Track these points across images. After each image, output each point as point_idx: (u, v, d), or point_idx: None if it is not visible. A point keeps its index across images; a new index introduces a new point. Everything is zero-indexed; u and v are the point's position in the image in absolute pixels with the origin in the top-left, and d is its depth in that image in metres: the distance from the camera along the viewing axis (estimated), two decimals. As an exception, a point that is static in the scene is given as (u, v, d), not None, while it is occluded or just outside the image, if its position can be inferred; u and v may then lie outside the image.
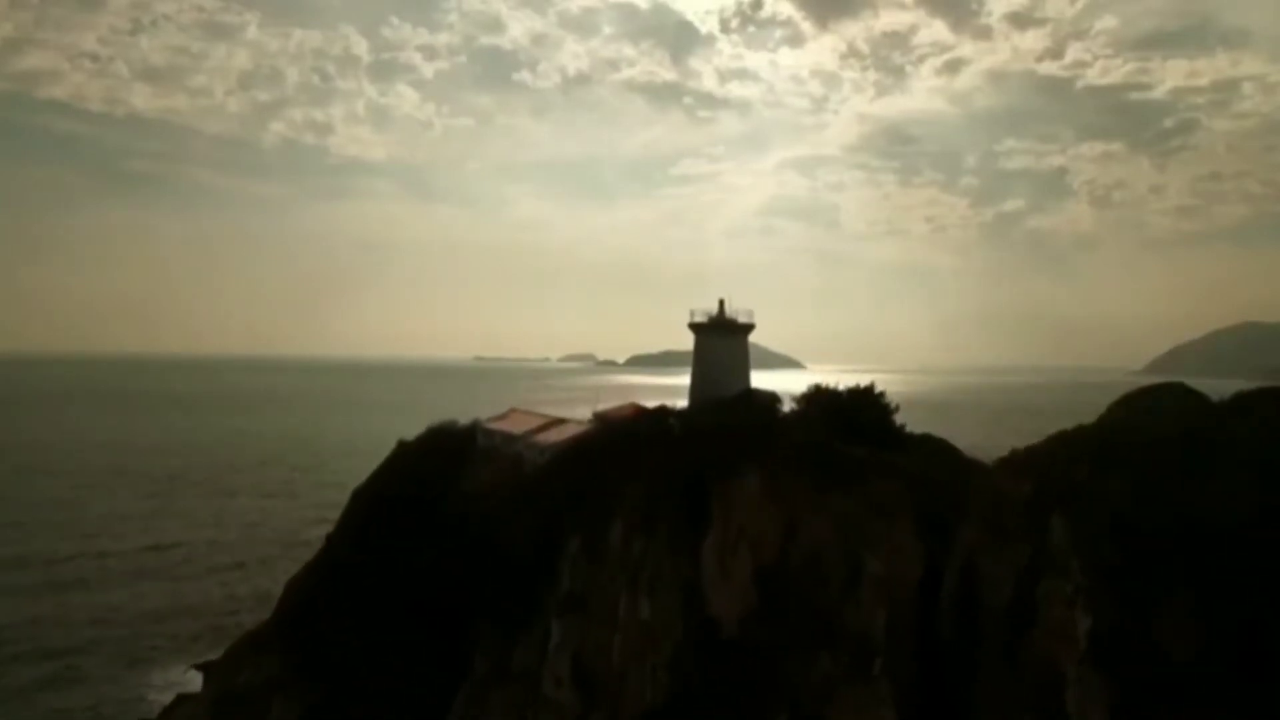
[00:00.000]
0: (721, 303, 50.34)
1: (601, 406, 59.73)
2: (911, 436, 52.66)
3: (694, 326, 50.29)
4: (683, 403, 49.48)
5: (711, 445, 36.38)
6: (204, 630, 74.83)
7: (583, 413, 56.64)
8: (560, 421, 54.83)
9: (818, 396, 58.54)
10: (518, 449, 53.09)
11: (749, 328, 50.46)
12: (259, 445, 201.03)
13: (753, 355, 54.21)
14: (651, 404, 48.54)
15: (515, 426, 55.79)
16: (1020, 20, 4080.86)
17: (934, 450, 49.56)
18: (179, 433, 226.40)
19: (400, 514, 54.54)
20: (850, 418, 53.95)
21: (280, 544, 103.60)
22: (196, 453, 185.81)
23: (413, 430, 58.69)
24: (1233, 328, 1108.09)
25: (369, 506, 57.01)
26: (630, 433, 41.75)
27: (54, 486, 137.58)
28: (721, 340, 49.12)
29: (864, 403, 54.64)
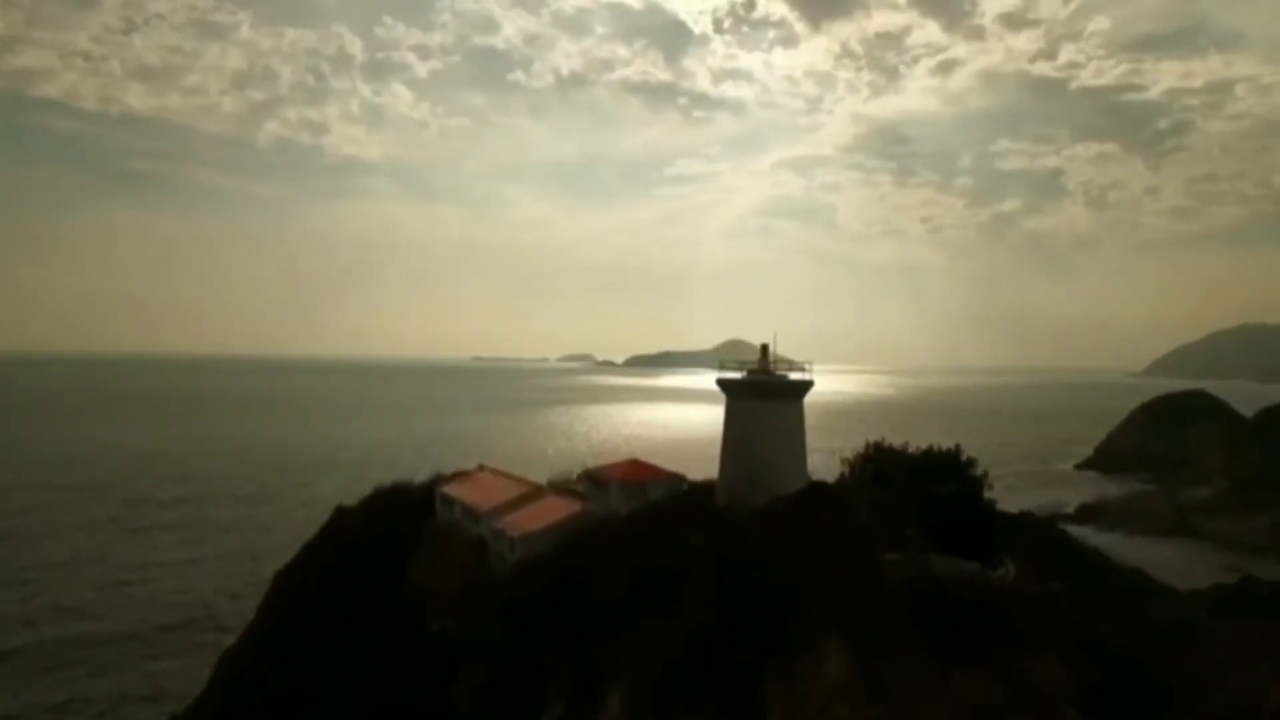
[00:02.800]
0: (765, 349, 32.66)
1: (593, 463, 47.48)
2: (1006, 516, 39.66)
3: (725, 385, 32.75)
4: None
5: (761, 593, 23.02)
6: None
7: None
8: (537, 492, 42.15)
9: (878, 458, 45.12)
10: (481, 531, 40.55)
11: (806, 387, 32.53)
12: (243, 455, 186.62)
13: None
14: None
15: (480, 495, 43.29)
16: (1013, 21, 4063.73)
17: (1047, 543, 36.46)
18: (162, 440, 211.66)
19: (332, 612, 42.17)
20: (923, 488, 40.88)
21: (242, 592, 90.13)
22: (172, 465, 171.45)
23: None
24: (1232, 329, 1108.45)
25: (296, 596, 44.82)
26: (636, 546, 28.08)
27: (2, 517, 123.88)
28: (766, 407, 31.05)
29: (944, 472, 41.42)
